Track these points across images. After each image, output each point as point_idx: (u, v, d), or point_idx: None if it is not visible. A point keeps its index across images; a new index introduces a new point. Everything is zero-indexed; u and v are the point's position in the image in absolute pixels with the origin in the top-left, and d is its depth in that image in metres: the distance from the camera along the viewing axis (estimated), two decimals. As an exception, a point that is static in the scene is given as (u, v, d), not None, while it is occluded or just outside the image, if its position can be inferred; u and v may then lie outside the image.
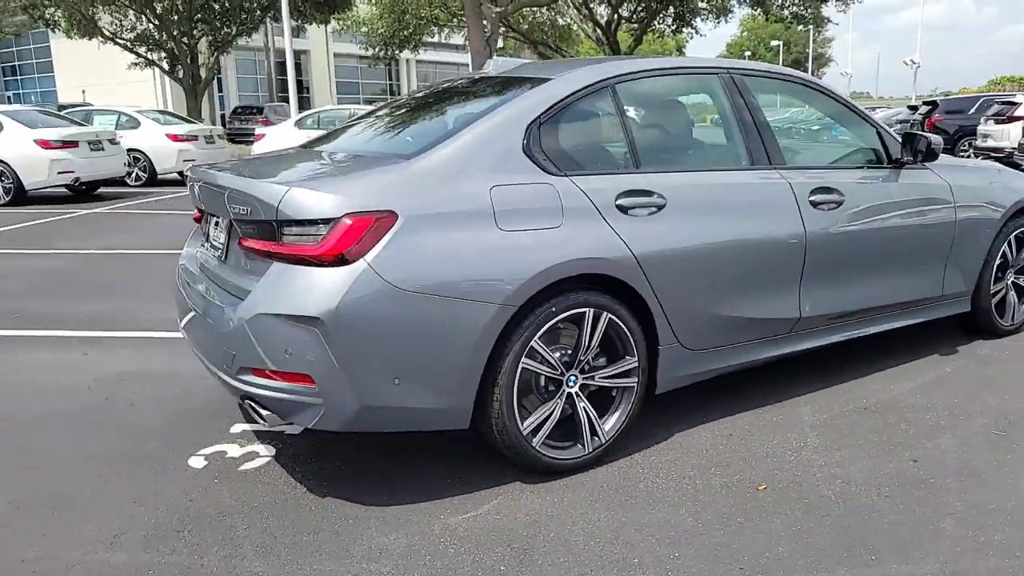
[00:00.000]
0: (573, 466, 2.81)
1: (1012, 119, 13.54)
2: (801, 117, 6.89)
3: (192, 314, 2.90)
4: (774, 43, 65.60)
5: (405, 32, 30.79)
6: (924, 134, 3.64)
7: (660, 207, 2.86)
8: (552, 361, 2.70)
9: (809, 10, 22.98)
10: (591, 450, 2.82)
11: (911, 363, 3.91)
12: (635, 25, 27.06)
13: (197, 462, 2.99)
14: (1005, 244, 4.08)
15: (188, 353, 3.17)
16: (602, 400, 2.87)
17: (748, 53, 75.56)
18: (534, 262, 2.56)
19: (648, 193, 2.85)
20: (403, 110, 3.55)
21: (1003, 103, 14.48)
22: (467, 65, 63.48)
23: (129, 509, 2.64)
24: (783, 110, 7.19)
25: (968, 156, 14.45)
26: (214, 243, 2.97)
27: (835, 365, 3.82)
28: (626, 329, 2.80)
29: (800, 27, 24.39)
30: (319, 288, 2.35)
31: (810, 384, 3.63)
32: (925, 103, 18.96)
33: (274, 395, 2.47)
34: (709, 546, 2.37)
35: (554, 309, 2.63)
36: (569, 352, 2.75)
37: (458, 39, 37.16)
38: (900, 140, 3.66)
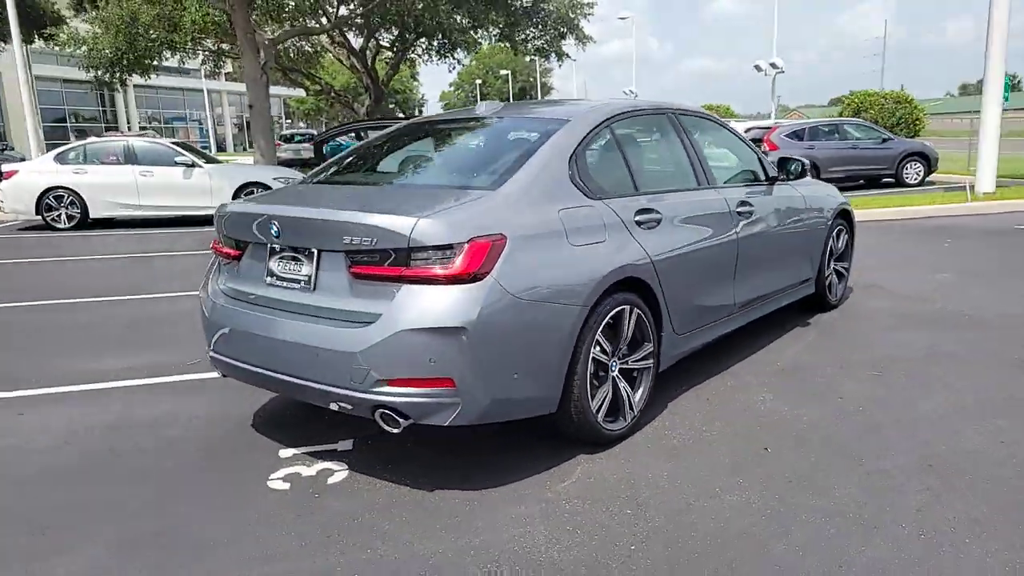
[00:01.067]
0: (619, 436, 3.48)
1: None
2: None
3: (269, 344, 3.11)
4: (503, 72, 70.41)
5: (133, 54, 28.59)
6: (797, 158, 4.87)
7: (659, 221, 3.66)
8: (607, 351, 3.36)
9: (552, 46, 25.50)
10: (629, 421, 3.52)
11: (787, 334, 5.12)
12: (391, 54, 27.92)
13: (279, 485, 3.18)
14: (831, 238, 5.49)
15: (143, 396, 3.33)
16: (628, 381, 3.58)
17: (479, 81, 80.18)
18: (597, 270, 3.21)
19: (652, 211, 3.64)
20: (427, 143, 4.11)
21: (760, 128, 17.36)
22: (193, 90, 59.77)
23: (258, 530, 2.82)
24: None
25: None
26: (287, 275, 3.19)
27: (739, 342, 4.89)
28: (646, 320, 3.55)
29: (542, 60, 26.84)
30: (459, 302, 2.79)
31: (734, 356, 4.65)
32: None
33: (414, 400, 2.84)
34: (755, 472, 3.18)
35: (608, 307, 3.30)
36: (612, 342, 3.43)
37: (193, 63, 35.23)
38: (775, 162, 4.85)
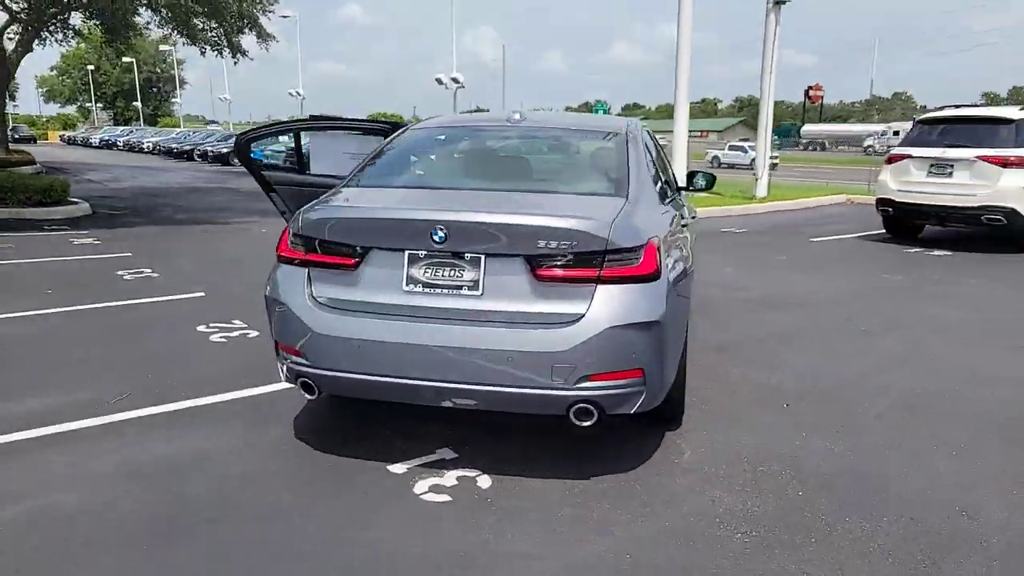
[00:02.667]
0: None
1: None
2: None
3: (426, 353, 3.07)
4: (126, 60, 63.45)
5: None
6: (703, 171, 5.81)
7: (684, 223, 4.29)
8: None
9: (224, 41, 23.97)
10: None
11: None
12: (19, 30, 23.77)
13: (435, 497, 3.15)
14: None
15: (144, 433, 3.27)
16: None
17: (91, 67, 71.29)
18: (690, 261, 3.77)
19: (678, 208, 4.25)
20: (503, 150, 4.29)
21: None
22: None
23: (488, 538, 2.84)
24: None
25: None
26: (441, 282, 3.14)
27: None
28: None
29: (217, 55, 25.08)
30: (651, 298, 3.11)
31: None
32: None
33: (612, 392, 3.09)
34: (813, 448, 3.99)
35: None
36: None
37: None
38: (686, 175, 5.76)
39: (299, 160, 5.52)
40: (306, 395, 3.39)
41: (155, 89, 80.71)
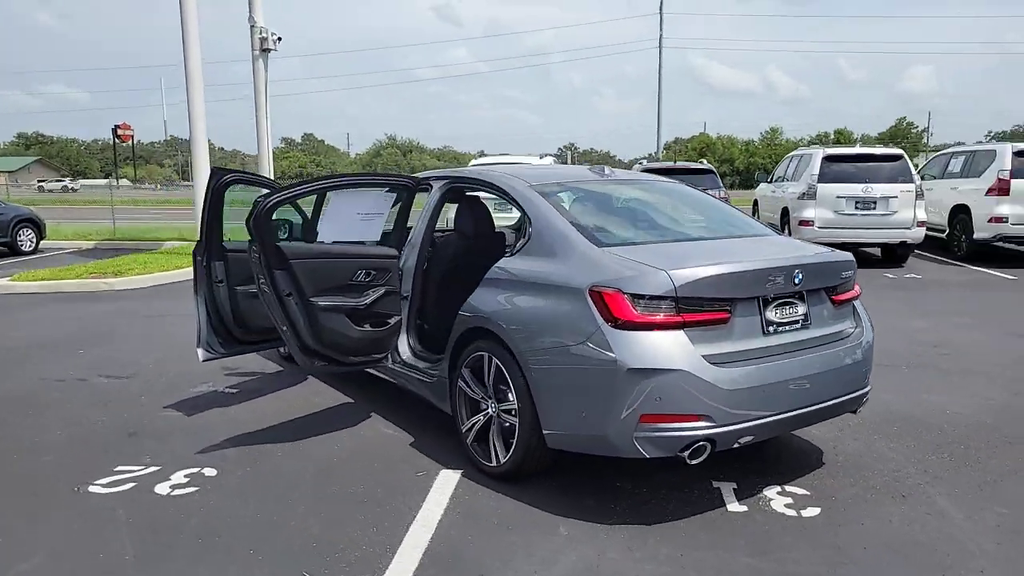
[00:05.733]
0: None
1: None
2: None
3: (801, 384, 3.55)
4: None
5: None
6: None
7: None
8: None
9: None
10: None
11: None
12: None
13: (740, 510, 3.61)
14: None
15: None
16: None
17: None
18: None
19: None
20: (664, 200, 4.69)
21: None
22: None
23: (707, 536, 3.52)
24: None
25: None
26: (787, 320, 3.58)
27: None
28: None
29: None
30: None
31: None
32: None
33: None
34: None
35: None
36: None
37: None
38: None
39: (313, 226, 4.36)
40: (691, 461, 3.32)
41: None
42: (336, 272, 4.22)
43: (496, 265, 4.03)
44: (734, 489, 3.81)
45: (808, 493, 3.77)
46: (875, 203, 11.98)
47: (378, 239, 4.61)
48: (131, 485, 3.97)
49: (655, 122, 38.55)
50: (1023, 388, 5.49)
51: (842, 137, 66.32)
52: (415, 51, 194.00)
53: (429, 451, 4.36)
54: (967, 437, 4.50)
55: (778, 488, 3.82)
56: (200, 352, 4.95)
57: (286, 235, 5.58)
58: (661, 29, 40.74)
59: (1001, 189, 12.05)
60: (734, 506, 3.64)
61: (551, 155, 28.35)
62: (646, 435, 3.27)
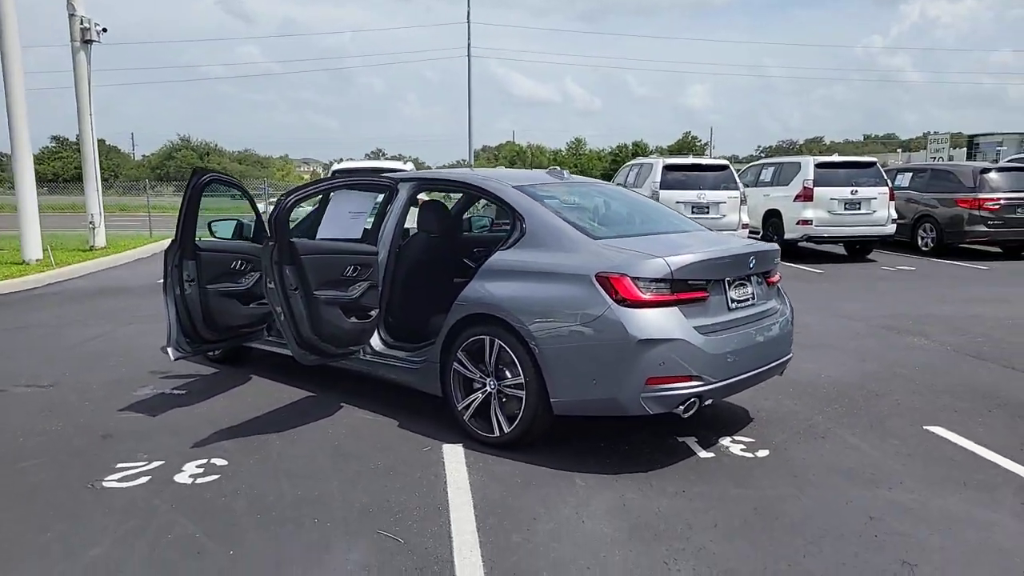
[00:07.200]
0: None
1: None
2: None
3: (755, 349, 4.45)
4: None
5: None
6: None
7: None
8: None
9: None
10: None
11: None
12: None
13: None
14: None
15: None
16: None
17: None
18: None
19: None
20: (615, 200, 5.36)
21: None
22: None
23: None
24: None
25: None
26: (742, 298, 4.45)
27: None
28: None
29: None
30: None
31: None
32: None
33: None
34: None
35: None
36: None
37: None
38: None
39: (316, 223, 4.59)
40: (685, 415, 4.08)
41: None
42: (333, 267, 4.58)
43: (492, 258, 4.58)
44: (696, 441, 4.63)
45: (753, 440, 4.67)
46: (708, 208, 13.58)
47: (360, 236, 4.99)
48: (146, 479, 4.10)
49: (460, 129, 39.87)
50: (867, 356, 6.82)
51: (639, 148, 71.30)
52: (198, 47, 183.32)
53: (420, 430, 4.81)
54: (845, 393, 5.64)
55: (729, 438, 4.70)
56: (171, 352, 5.07)
57: (237, 235, 5.76)
58: (469, 37, 42.43)
59: (806, 196, 14.12)
60: (703, 453, 4.45)
61: (412, 160, 28.87)
62: (651, 395, 3.99)
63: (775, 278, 4.91)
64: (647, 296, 4.01)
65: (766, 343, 4.53)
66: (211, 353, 6.11)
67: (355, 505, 3.77)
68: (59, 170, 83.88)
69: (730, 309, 4.40)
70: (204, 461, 4.33)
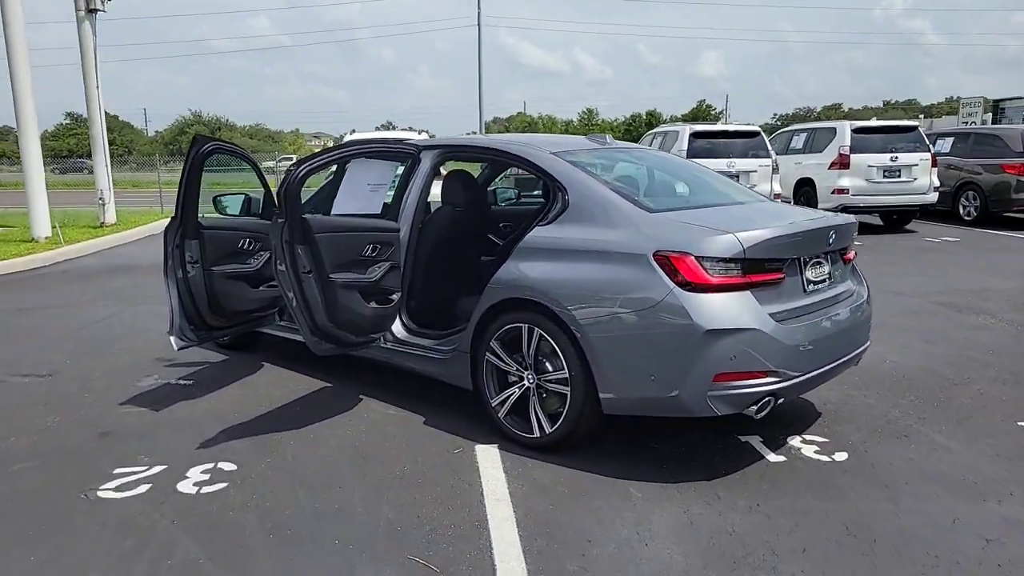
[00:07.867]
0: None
1: None
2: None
3: (837, 338, 3.90)
4: None
5: None
6: None
7: None
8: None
9: None
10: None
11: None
12: None
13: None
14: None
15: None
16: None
17: None
18: None
19: None
20: (666, 168, 4.89)
21: None
22: None
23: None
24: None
25: None
26: (819, 279, 3.89)
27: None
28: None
29: None
30: None
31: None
32: None
33: None
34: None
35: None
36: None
37: None
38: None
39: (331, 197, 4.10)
40: (758, 415, 3.55)
41: None
42: (351, 247, 4.06)
43: (529, 235, 4.04)
44: (761, 442, 4.10)
45: (827, 440, 4.13)
46: (737, 177, 12.89)
47: (379, 211, 4.46)
48: (147, 487, 3.64)
49: (470, 101, 38.93)
50: (931, 337, 6.24)
51: (652, 118, 70.01)
52: (208, 20, 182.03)
53: (449, 427, 4.32)
54: (918, 382, 5.08)
55: (799, 438, 4.16)
56: (173, 341, 4.59)
57: (245, 212, 5.26)
58: (480, 6, 40.86)
59: (843, 163, 13.43)
60: (772, 457, 3.92)
61: (426, 131, 28.10)
62: (719, 394, 3.45)
63: (851, 255, 4.34)
64: (715, 278, 3.46)
65: (845, 330, 3.97)
66: (220, 340, 5.63)
67: (381, 521, 3.29)
68: (74, 147, 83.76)
69: (806, 292, 3.84)
70: (211, 465, 3.86)
